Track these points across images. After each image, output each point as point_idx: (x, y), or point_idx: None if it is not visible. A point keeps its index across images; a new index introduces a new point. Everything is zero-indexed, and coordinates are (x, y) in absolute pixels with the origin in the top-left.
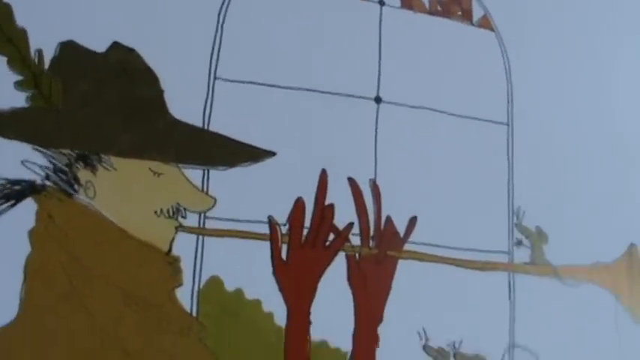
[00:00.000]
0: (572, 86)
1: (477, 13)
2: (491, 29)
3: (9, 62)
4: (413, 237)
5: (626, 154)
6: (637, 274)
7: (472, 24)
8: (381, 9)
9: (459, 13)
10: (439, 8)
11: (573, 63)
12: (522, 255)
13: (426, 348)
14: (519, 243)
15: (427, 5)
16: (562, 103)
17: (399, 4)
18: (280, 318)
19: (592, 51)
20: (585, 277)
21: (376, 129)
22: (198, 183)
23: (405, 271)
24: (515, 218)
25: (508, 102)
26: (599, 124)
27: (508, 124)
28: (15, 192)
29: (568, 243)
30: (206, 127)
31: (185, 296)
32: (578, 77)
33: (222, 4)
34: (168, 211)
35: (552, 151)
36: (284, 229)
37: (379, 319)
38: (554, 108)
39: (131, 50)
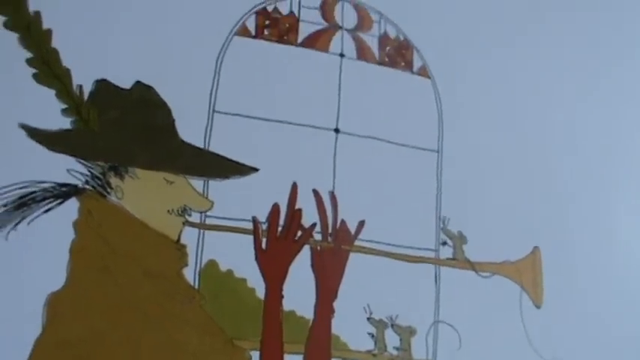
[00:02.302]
0: (490, 121)
1: (417, 64)
2: (428, 77)
3: (57, 94)
4: (362, 235)
5: (533, 179)
6: (538, 270)
7: (413, 72)
8: (341, 60)
9: (403, 63)
10: (387, 59)
11: (490, 102)
12: (446, 252)
13: (370, 319)
14: (444, 243)
15: (377, 57)
16: (482, 133)
17: (355, 56)
18: (260, 292)
19: (506, 90)
20: (496, 271)
21: (334, 153)
22: (200, 190)
23: (355, 262)
24: (441, 224)
25: (439, 134)
26: (511, 151)
27: (438, 151)
28: (62, 192)
29: (483, 244)
30: (206, 148)
31: (189, 274)
32: (494, 114)
33: (220, 53)
34: (177, 210)
35: (473, 173)
36: (264, 227)
37: (335, 296)
38: (475, 137)
39: (149, 87)
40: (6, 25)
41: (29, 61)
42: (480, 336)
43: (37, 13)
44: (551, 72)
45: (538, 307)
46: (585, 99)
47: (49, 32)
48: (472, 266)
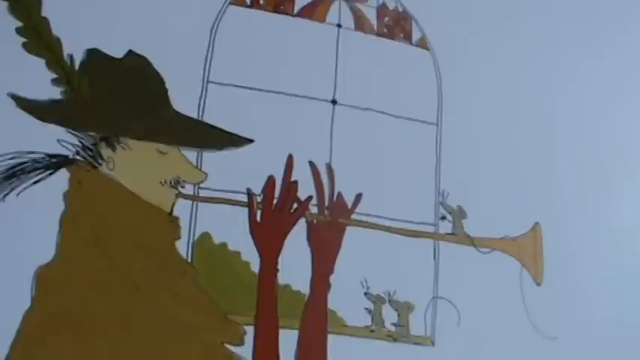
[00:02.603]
0: (489, 94)
1: (416, 35)
2: (427, 49)
3: (47, 64)
4: (359, 209)
5: (533, 153)
6: (539, 247)
7: (412, 44)
8: (338, 31)
9: (401, 35)
10: (385, 31)
11: (490, 75)
12: (445, 227)
13: (367, 294)
14: (443, 218)
15: (375, 28)
16: (480, 106)
17: (352, 27)
18: (255, 266)
19: (504, 65)
20: (496, 247)
21: (332, 124)
22: (194, 161)
23: (352, 235)
24: (440, 198)
25: (438, 107)
26: (511, 124)
27: (437, 124)
28: (53, 164)
29: (483, 219)
30: (200, 118)
31: (183, 247)
32: (493, 86)
33: (214, 22)
34: (170, 182)
35: (473, 146)
36: (259, 199)
37: (331, 270)
38: (474, 111)
39: (142, 57)
40: None
41: (19, 30)
42: (480, 313)
43: None
44: (554, 43)
45: (538, 284)
46: (589, 74)
47: (39, 0)
48: (471, 241)
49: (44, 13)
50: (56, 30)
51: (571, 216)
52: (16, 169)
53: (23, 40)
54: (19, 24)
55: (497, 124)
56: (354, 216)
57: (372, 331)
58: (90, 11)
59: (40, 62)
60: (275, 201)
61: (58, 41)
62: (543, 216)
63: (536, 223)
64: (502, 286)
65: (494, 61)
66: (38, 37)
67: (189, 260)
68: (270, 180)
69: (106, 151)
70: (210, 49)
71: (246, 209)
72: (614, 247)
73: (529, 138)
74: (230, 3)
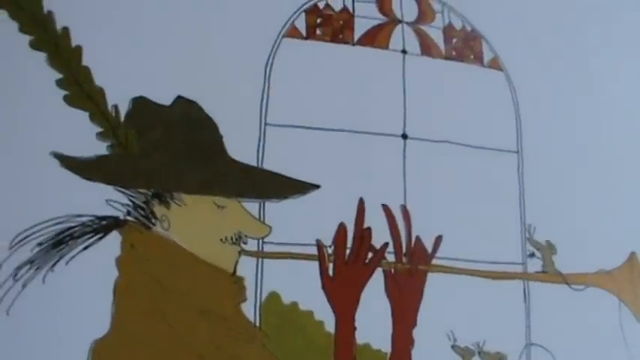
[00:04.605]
0: (572, 113)
1: (487, 56)
2: (501, 69)
3: (90, 117)
4: (439, 253)
5: (625, 174)
6: (638, 278)
7: (483, 65)
8: (404, 57)
9: (472, 56)
10: (454, 53)
11: (571, 94)
12: (535, 265)
13: (454, 347)
14: (532, 255)
15: (443, 52)
16: (564, 129)
17: (419, 52)
18: (329, 325)
19: (586, 82)
20: (591, 282)
21: (404, 161)
22: (256, 213)
23: (434, 283)
24: (527, 233)
25: (517, 132)
26: (597, 146)
27: (518, 152)
28: (102, 226)
29: (574, 253)
30: (260, 166)
31: (249, 310)
32: (576, 106)
33: (268, 58)
34: (231, 238)
35: (557, 174)
36: (329, 250)
37: (413, 324)
38: (557, 134)
39: (192, 102)
40: (32, 45)
41: (59, 83)
42: (578, 357)
43: (65, 30)
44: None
45: None
46: None
47: (78, 49)
48: (564, 279)
49: (84, 62)
50: (98, 79)
51: None
52: (64, 234)
53: (64, 92)
54: (59, 76)
55: (582, 147)
56: (434, 261)
57: None
58: (134, 57)
59: (84, 116)
60: (348, 251)
61: (101, 91)
62: None
63: (633, 253)
64: (600, 326)
65: (575, 77)
66: (80, 89)
67: (257, 324)
68: (341, 228)
69: (159, 209)
70: (266, 87)
71: (316, 263)
72: None
73: (618, 160)
74: (284, 36)
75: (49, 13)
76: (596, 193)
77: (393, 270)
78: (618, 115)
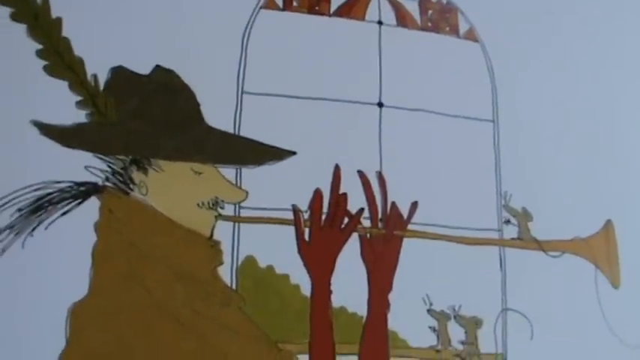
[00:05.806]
0: (548, 83)
1: (463, 27)
2: (476, 41)
3: (70, 86)
4: (415, 218)
5: (600, 142)
6: (613, 246)
7: (459, 37)
8: (379, 28)
9: (447, 28)
10: (430, 25)
11: (547, 64)
12: (510, 232)
13: (430, 311)
14: (508, 222)
15: (419, 23)
16: (539, 98)
17: (394, 23)
18: (305, 289)
19: (563, 52)
20: (567, 249)
21: (380, 129)
22: (232, 179)
23: (410, 248)
24: (503, 200)
25: (493, 102)
26: (575, 114)
27: (494, 121)
28: (81, 192)
29: (550, 221)
30: (237, 133)
31: (226, 273)
32: (551, 75)
33: (246, 28)
34: (208, 204)
35: (533, 141)
36: (306, 215)
37: (389, 288)
38: (533, 103)
39: (170, 71)
40: (12, 17)
41: (39, 53)
42: (554, 323)
43: (45, 1)
44: (617, 27)
45: (615, 286)
46: None
47: (58, 20)
48: (540, 246)
49: (64, 32)
50: (78, 50)
51: None
52: (43, 200)
53: (44, 62)
54: (39, 46)
55: (558, 116)
56: (410, 227)
57: (437, 351)
58: (112, 27)
59: (63, 85)
60: (324, 216)
61: (80, 61)
62: (615, 212)
63: (609, 221)
64: (576, 292)
65: (551, 48)
66: (60, 59)
67: (234, 287)
68: (317, 194)
69: (137, 175)
70: (243, 57)
71: (292, 228)
72: None
73: (594, 128)
74: (261, 7)
75: None
76: (571, 161)
77: (368, 235)
78: (592, 83)
